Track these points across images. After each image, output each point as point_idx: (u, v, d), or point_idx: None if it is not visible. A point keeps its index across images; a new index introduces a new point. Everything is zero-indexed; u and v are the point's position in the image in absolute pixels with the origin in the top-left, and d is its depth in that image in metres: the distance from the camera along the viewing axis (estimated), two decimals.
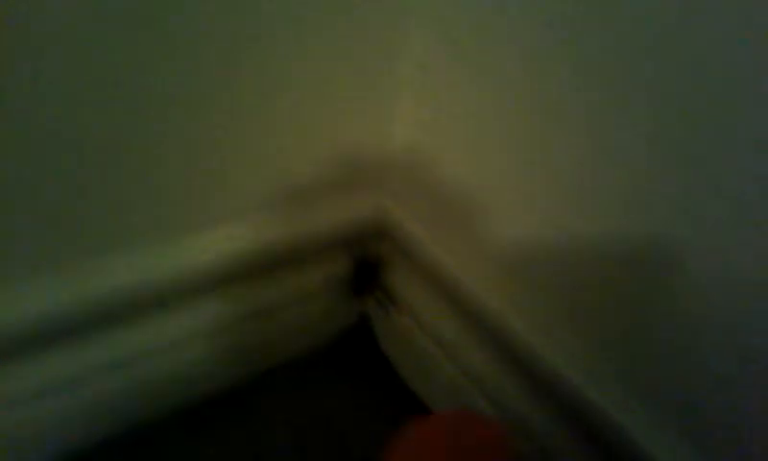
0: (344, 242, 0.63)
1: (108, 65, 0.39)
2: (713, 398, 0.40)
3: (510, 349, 0.53)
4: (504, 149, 0.50)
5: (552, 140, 0.45)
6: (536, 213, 0.49)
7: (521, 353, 0.52)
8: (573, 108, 0.42)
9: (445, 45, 0.51)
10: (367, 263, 0.65)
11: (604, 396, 0.46)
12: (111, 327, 0.51)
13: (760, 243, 0.34)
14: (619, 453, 0.45)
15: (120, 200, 0.46)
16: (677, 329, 0.41)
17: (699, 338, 0.39)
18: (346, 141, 0.57)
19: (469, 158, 0.54)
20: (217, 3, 0.41)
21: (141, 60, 0.40)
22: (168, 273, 0.51)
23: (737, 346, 0.37)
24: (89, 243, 0.47)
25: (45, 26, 0.35)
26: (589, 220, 0.45)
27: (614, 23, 0.38)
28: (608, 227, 0.43)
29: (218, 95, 0.46)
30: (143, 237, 0.49)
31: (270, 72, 0.47)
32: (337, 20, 0.48)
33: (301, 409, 0.65)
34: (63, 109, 0.39)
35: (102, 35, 0.38)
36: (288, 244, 0.57)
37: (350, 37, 0.50)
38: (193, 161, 0.48)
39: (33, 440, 0.52)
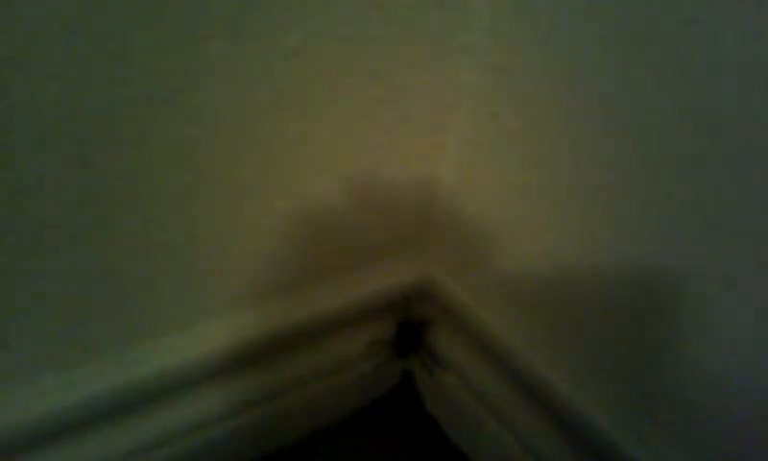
0: (388, 305, 0.63)
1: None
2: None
3: (554, 408, 0.53)
4: (557, 217, 0.50)
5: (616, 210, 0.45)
6: (583, 280, 0.49)
7: (566, 413, 0.52)
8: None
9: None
10: (410, 325, 0.66)
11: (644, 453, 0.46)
12: (155, 405, 0.52)
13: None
14: None
15: (156, 280, 0.47)
16: None
17: None
18: (391, 203, 0.58)
19: (515, 220, 0.54)
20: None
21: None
22: (219, 347, 0.52)
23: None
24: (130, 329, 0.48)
25: None
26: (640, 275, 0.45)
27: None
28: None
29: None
30: (189, 316, 0.51)
31: (318, 132, 0.48)
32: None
33: None
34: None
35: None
36: (334, 312, 0.58)
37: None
38: (236, 238, 0.49)
39: None
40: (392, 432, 0.70)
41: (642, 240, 0.43)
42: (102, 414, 0.49)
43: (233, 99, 0.41)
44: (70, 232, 0.40)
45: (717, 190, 0.37)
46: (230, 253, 0.50)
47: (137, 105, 0.37)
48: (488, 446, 0.64)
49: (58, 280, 0.42)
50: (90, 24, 0.33)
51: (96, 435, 0.50)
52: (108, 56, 0.34)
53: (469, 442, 0.68)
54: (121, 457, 0.52)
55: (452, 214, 0.61)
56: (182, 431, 0.55)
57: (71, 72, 0.34)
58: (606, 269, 0.46)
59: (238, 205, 0.47)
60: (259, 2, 0.38)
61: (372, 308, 0.62)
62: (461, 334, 0.63)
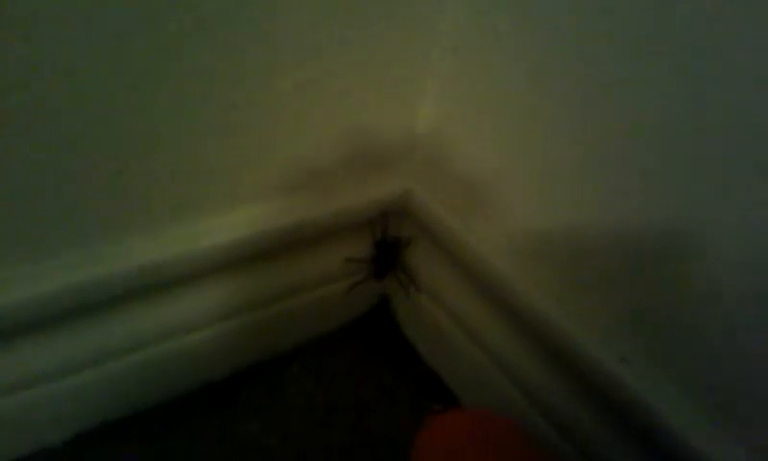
0: (366, 222, 0.62)
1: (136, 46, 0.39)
2: None
3: (532, 327, 0.53)
4: (532, 133, 0.49)
5: (586, 127, 0.44)
6: (561, 196, 0.49)
7: (544, 331, 0.52)
8: (607, 90, 0.42)
9: (479, 28, 0.50)
10: (388, 244, 0.65)
11: (625, 370, 0.46)
12: (134, 304, 0.52)
13: None
14: (643, 429, 0.45)
15: (148, 179, 0.46)
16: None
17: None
18: (370, 122, 0.57)
19: (495, 142, 0.53)
20: None
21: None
22: (189, 252, 0.50)
23: None
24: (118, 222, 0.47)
25: None
26: (610, 205, 0.45)
27: None
28: (632, 210, 0.43)
29: (247, 69, 0.45)
30: (168, 216, 0.49)
31: (296, 47, 0.47)
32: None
33: (323, 390, 0.65)
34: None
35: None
36: (310, 225, 0.57)
37: (380, 16, 0.49)
38: (217, 142, 0.48)
39: (52, 418, 0.53)
40: (366, 354, 0.70)
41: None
42: (73, 309, 0.47)
43: None
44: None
45: None
46: (212, 151, 0.48)
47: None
48: (464, 368, 0.64)
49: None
50: None
51: (68, 332, 0.49)
52: None
53: (445, 365, 0.68)
54: (91, 357, 0.51)
55: (434, 131, 0.60)
56: (154, 336, 0.54)
57: None
58: (594, 194, 0.46)
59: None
60: None
61: (351, 223, 0.61)
62: (439, 254, 0.63)
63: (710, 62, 0.35)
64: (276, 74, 0.47)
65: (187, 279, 0.53)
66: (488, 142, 0.54)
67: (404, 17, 0.51)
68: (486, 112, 0.53)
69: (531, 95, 0.48)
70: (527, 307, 0.52)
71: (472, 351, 0.62)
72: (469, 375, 0.64)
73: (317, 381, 0.66)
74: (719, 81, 0.35)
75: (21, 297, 0.44)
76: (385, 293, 0.75)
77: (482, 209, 0.57)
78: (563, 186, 0.48)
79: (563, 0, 0.43)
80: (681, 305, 0.42)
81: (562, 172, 0.48)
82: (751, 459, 0.40)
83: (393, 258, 0.67)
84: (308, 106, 0.51)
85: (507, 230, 0.55)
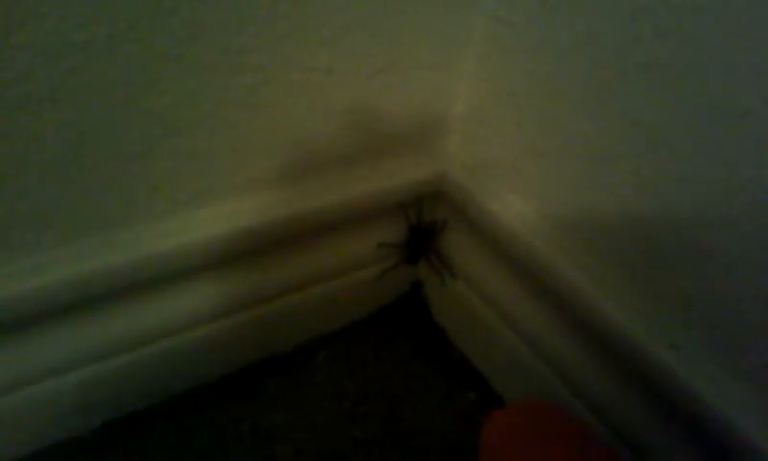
0: (399, 206, 0.59)
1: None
2: None
3: (573, 311, 0.50)
4: (576, 111, 0.46)
5: (634, 105, 0.41)
6: (604, 177, 0.45)
7: (586, 316, 0.48)
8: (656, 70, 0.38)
9: None
10: (422, 229, 0.62)
11: (675, 356, 0.43)
12: (158, 292, 0.50)
13: None
14: (691, 415, 0.42)
15: (165, 163, 0.44)
16: None
17: None
18: (404, 101, 0.54)
19: (534, 121, 0.50)
20: None
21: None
22: (214, 237, 0.48)
23: None
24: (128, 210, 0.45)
25: None
26: (657, 185, 0.42)
27: None
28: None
29: (273, 46, 0.43)
30: (191, 202, 0.47)
31: (327, 24, 0.44)
32: None
33: (354, 378, 0.63)
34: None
35: None
36: (341, 207, 0.54)
37: None
38: (246, 121, 0.46)
39: (78, 407, 0.52)
40: (396, 341, 0.68)
41: None
42: (98, 295, 0.46)
43: None
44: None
45: None
46: (235, 134, 0.46)
47: None
48: (499, 355, 0.61)
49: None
50: None
51: (93, 320, 0.48)
52: None
53: (479, 351, 0.66)
54: (118, 346, 0.50)
55: (470, 112, 0.57)
56: (179, 325, 0.53)
57: None
58: (641, 174, 0.42)
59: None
60: None
61: (383, 207, 0.58)
62: (475, 238, 0.60)
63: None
64: (307, 52, 0.45)
65: (210, 266, 0.51)
66: (527, 122, 0.51)
67: None
68: (525, 90, 0.50)
69: (576, 70, 0.44)
70: (569, 290, 0.49)
71: (508, 337, 0.59)
72: (505, 361, 0.61)
73: (345, 371, 0.63)
74: None
75: (42, 283, 0.42)
76: (417, 279, 0.72)
77: (520, 191, 0.54)
78: (607, 166, 0.45)
79: None
80: (731, 291, 0.39)
81: (607, 150, 0.45)
82: None
83: (427, 243, 0.64)
84: (339, 85, 0.48)
85: (546, 212, 0.52)
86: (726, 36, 0.35)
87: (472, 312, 0.63)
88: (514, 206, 0.55)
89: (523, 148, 0.52)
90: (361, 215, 0.57)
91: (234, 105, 0.44)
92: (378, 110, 0.53)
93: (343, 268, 0.62)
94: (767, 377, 0.39)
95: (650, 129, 0.41)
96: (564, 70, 0.46)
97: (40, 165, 0.38)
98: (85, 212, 0.43)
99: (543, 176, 0.51)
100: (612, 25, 0.41)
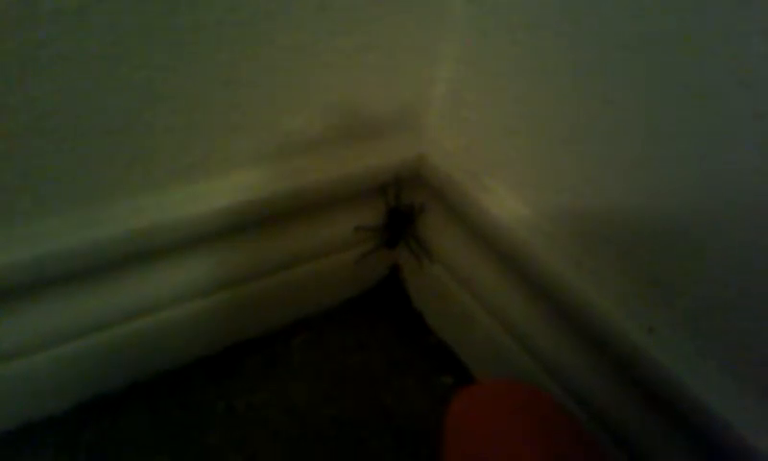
0: (377, 189, 0.59)
1: None
2: None
3: (552, 296, 0.50)
4: (556, 94, 0.46)
5: (616, 86, 0.41)
6: (583, 161, 0.46)
7: (565, 300, 0.49)
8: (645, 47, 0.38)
9: None
10: (400, 212, 0.62)
11: (648, 339, 0.43)
12: (133, 270, 0.49)
13: None
14: (669, 400, 0.42)
15: (148, 139, 0.44)
16: None
17: None
18: (383, 83, 0.54)
19: (513, 103, 0.50)
20: None
21: None
22: (191, 216, 0.48)
23: None
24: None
25: None
26: (635, 169, 0.42)
27: None
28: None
29: (253, 23, 0.42)
30: (167, 178, 0.47)
31: (303, 4, 0.44)
32: None
33: (331, 360, 0.63)
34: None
35: None
36: (316, 190, 0.54)
37: None
38: (224, 99, 0.45)
39: (52, 386, 0.51)
40: (375, 325, 0.68)
41: None
42: (71, 273, 0.45)
43: None
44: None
45: None
46: (211, 111, 0.45)
47: None
48: (478, 340, 0.62)
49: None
50: None
51: (66, 298, 0.47)
52: None
53: (458, 336, 0.66)
54: (90, 325, 0.49)
55: (449, 94, 0.57)
56: (153, 304, 0.52)
57: None
58: (619, 158, 0.43)
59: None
60: None
61: (362, 190, 0.58)
62: (453, 222, 0.60)
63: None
64: (281, 31, 0.44)
65: (185, 245, 0.50)
66: (505, 104, 0.51)
67: None
68: (505, 72, 0.50)
69: (556, 51, 0.44)
70: (547, 275, 0.49)
71: (487, 322, 0.59)
72: (483, 346, 0.61)
73: (322, 353, 0.63)
74: None
75: (19, 258, 0.41)
76: (396, 263, 0.72)
77: (499, 174, 0.54)
78: (585, 150, 0.45)
79: None
80: (708, 274, 0.40)
81: (585, 135, 0.45)
82: None
83: (405, 227, 0.64)
84: (316, 65, 0.48)
85: (526, 196, 0.52)
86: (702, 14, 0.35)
87: (450, 296, 0.63)
88: (492, 189, 0.55)
89: (503, 130, 0.52)
90: (339, 197, 0.57)
91: (211, 82, 0.43)
92: (358, 92, 0.53)
93: (321, 251, 0.61)
94: (745, 360, 0.39)
95: (626, 109, 0.41)
96: (547, 51, 0.46)
97: (9, 138, 0.38)
98: (58, 187, 0.42)
99: (523, 159, 0.52)
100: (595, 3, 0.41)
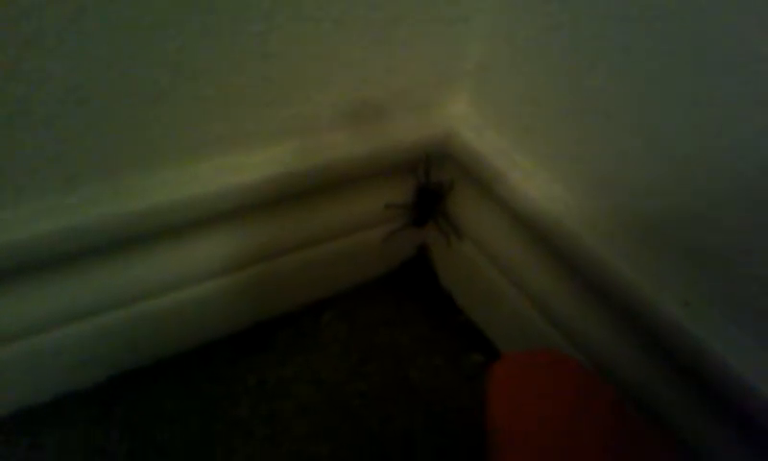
0: (407, 166, 0.59)
1: None
2: None
3: (584, 271, 0.49)
4: (590, 68, 0.45)
5: (650, 57, 0.40)
6: (616, 133, 0.45)
7: (598, 275, 0.48)
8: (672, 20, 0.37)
9: None
10: (429, 190, 0.62)
11: (682, 311, 0.42)
12: (165, 244, 0.50)
13: None
14: (703, 373, 0.42)
15: (178, 110, 0.44)
16: None
17: None
18: (414, 57, 0.53)
19: (546, 78, 0.50)
20: None
21: None
22: (221, 189, 0.48)
23: None
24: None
25: None
26: (668, 141, 0.41)
27: None
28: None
29: None
30: (197, 151, 0.47)
31: None
32: None
33: (360, 337, 0.63)
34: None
35: None
36: (349, 164, 0.54)
37: None
38: (257, 72, 0.45)
39: (82, 360, 0.52)
40: (403, 304, 0.68)
41: None
42: (101, 246, 0.46)
43: None
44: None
45: None
46: (242, 83, 0.45)
47: None
48: (507, 318, 0.61)
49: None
50: None
51: (98, 270, 0.48)
52: None
53: (486, 315, 0.65)
54: (123, 298, 0.50)
55: (480, 69, 0.56)
56: (186, 280, 0.53)
57: None
58: (653, 128, 0.42)
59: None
60: None
61: (390, 166, 0.58)
62: (483, 199, 0.60)
63: None
64: (311, 3, 0.44)
65: (216, 220, 0.51)
66: (536, 80, 0.51)
67: None
68: (536, 46, 0.49)
69: (590, 22, 0.44)
70: (579, 250, 0.49)
71: (516, 300, 0.59)
72: (512, 324, 0.61)
73: (351, 330, 0.63)
74: None
75: (52, 229, 0.42)
76: (424, 242, 0.72)
77: (528, 150, 0.54)
78: (617, 124, 0.45)
79: None
80: (747, 247, 0.39)
81: (617, 108, 0.44)
82: None
83: (434, 204, 0.64)
84: (347, 39, 0.48)
85: (555, 172, 0.52)
86: None
87: (478, 273, 0.63)
88: (522, 165, 0.54)
89: (533, 106, 0.52)
90: (368, 174, 0.57)
91: (243, 53, 0.43)
92: (388, 67, 0.52)
93: (350, 227, 0.61)
94: None
95: (661, 80, 0.40)
96: (582, 23, 0.45)
97: (46, 106, 0.38)
98: (90, 159, 0.43)
99: (553, 134, 0.51)
100: None
